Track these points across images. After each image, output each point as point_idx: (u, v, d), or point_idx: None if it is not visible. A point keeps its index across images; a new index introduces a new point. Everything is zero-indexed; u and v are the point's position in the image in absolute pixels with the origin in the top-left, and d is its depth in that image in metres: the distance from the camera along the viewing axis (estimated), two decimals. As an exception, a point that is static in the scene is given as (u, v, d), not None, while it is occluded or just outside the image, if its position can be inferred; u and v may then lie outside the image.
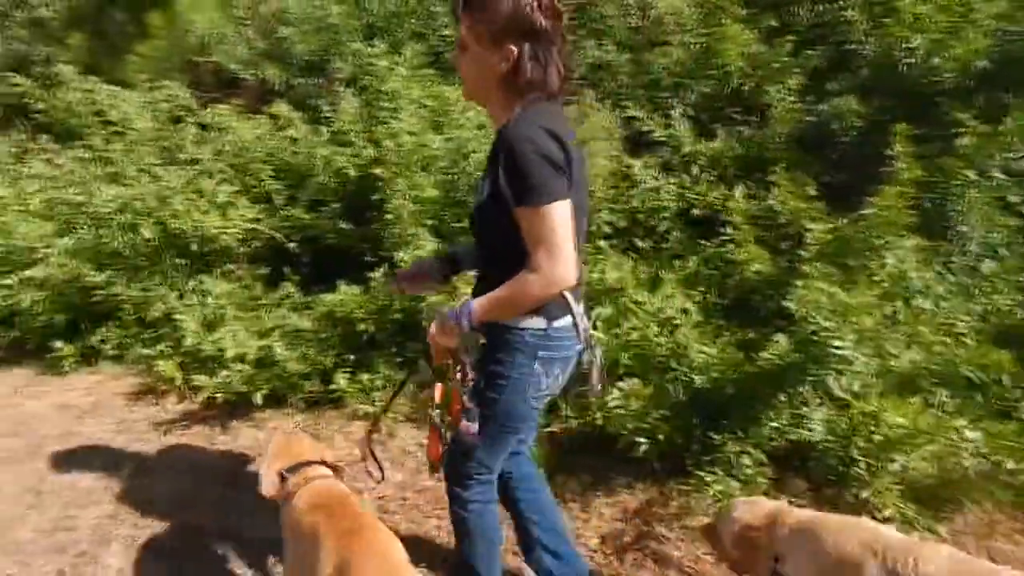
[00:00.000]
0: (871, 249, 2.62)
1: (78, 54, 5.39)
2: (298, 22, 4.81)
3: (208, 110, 4.43)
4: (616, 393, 2.55)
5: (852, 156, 3.21)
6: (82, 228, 3.63)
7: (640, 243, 3.24)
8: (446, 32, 4.32)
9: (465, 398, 1.59)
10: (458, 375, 1.62)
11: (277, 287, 3.65)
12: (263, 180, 3.93)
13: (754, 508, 1.77)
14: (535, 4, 1.45)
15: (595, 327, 2.77)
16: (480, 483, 1.76)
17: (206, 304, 3.54)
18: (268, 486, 1.90)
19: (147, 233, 3.37)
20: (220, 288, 3.59)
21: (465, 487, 1.76)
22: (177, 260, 3.72)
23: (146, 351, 3.52)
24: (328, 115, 4.08)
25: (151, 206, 3.39)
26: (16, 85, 4.76)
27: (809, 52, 3.43)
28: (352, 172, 3.67)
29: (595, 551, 2.30)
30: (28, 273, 3.40)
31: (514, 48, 1.47)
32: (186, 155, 4.20)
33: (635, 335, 2.73)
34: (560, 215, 1.41)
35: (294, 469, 1.89)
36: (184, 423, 3.21)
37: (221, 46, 5.09)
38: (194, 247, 3.69)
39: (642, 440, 2.47)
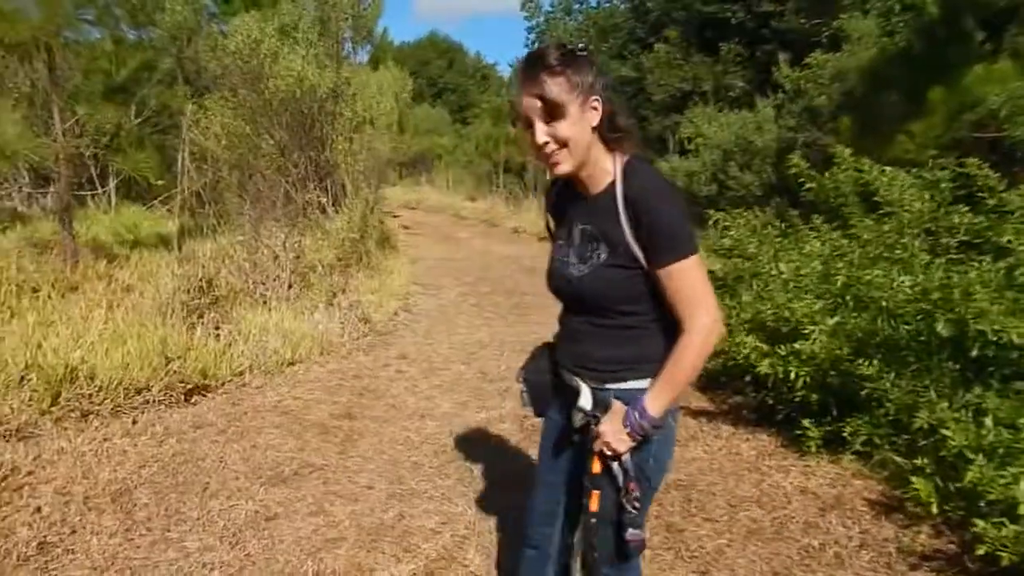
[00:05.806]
0: None
1: (845, 137, 5.54)
2: None
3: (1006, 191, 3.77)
4: None
5: None
6: (847, 309, 3.52)
7: None
8: None
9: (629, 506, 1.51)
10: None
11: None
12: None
13: None
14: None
15: None
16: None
17: (983, 424, 2.90)
18: None
19: (942, 330, 2.95)
20: (999, 406, 2.90)
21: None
22: (947, 363, 3.21)
23: (899, 460, 3.12)
24: None
25: (953, 299, 2.95)
26: (792, 166, 5.13)
27: None
28: None
29: None
30: (796, 345, 3.45)
31: (599, 98, 1.43)
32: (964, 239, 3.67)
33: None
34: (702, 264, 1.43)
35: None
36: (935, 566, 2.64)
37: (1020, 117, 4.34)
38: (973, 351, 3.10)
39: None
